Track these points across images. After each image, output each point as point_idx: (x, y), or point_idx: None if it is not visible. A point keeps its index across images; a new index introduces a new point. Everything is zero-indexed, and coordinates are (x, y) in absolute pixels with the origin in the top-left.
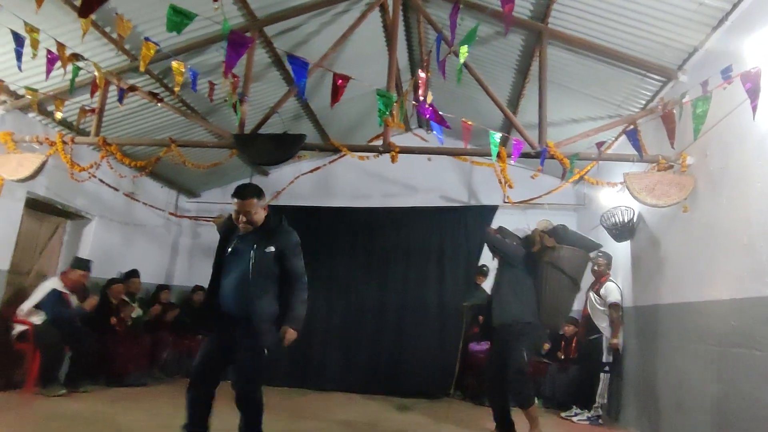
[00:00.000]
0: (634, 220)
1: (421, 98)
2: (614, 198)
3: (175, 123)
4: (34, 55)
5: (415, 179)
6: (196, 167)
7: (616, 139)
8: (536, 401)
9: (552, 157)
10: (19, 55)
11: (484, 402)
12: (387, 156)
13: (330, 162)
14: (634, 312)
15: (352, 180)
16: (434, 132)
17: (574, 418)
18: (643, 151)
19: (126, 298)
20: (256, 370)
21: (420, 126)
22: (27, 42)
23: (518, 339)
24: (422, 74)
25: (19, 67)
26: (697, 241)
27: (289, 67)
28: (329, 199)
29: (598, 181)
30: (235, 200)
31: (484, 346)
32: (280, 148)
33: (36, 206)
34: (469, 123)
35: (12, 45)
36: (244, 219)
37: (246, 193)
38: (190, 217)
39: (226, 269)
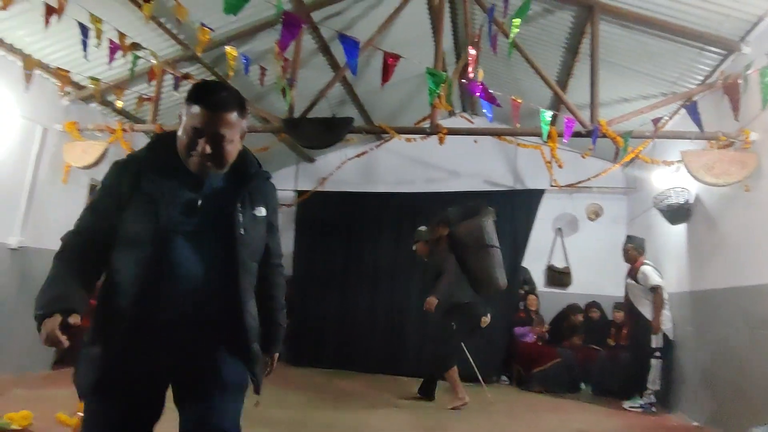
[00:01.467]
0: (690, 201)
1: (471, 75)
2: (667, 180)
3: None
4: (98, 45)
5: (459, 164)
6: None
7: (674, 114)
8: (583, 386)
9: (604, 135)
10: (85, 45)
11: (531, 387)
12: (430, 141)
13: (376, 146)
14: (690, 297)
15: (395, 166)
16: (483, 110)
17: (625, 405)
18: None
19: None
20: (237, 417)
21: (464, 110)
22: (92, 33)
23: (450, 317)
24: (472, 51)
25: (86, 57)
26: (760, 221)
27: (336, 51)
28: (373, 185)
29: (653, 160)
30: (199, 110)
31: (527, 329)
32: (329, 131)
33: None
34: (518, 101)
35: (75, 39)
36: (210, 150)
37: (223, 100)
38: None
39: (169, 247)
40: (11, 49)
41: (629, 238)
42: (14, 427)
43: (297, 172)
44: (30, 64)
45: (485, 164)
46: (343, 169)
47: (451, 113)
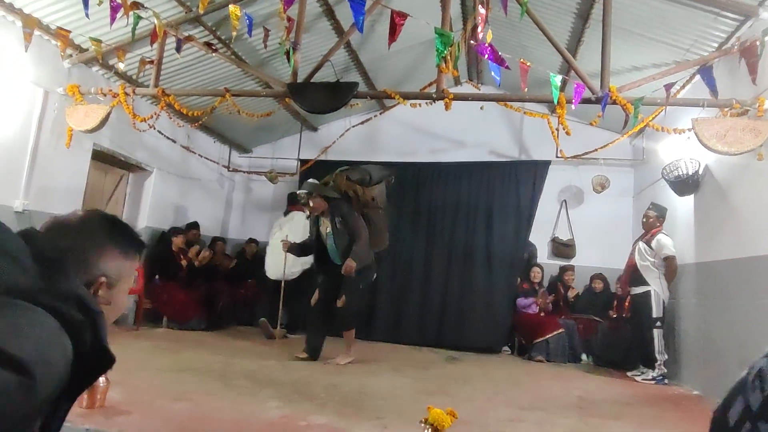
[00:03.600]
0: (700, 172)
1: (481, 35)
2: (676, 151)
3: (228, 76)
4: (100, 2)
5: (463, 134)
6: (250, 116)
7: (686, 83)
8: (584, 357)
9: (614, 102)
10: (86, 3)
11: (533, 357)
12: (434, 110)
13: (381, 113)
14: (695, 268)
15: (398, 135)
16: (492, 73)
17: (638, 378)
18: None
19: (184, 247)
20: None
21: (470, 78)
22: None
23: (359, 278)
24: (482, 10)
25: (87, 14)
26: None
27: (340, 15)
28: (376, 155)
29: (664, 127)
30: None
31: (532, 302)
32: (334, 96)
33: (101, 158)
34: (528, 64)
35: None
36: None
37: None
38: (244, 171)
39: None
40: (11, 9)
41: (653, 206)
42: None
43: (300, 140)
44: (30, 22)
45: (490, 134)
46: (346, 138)
47: (457, 82)
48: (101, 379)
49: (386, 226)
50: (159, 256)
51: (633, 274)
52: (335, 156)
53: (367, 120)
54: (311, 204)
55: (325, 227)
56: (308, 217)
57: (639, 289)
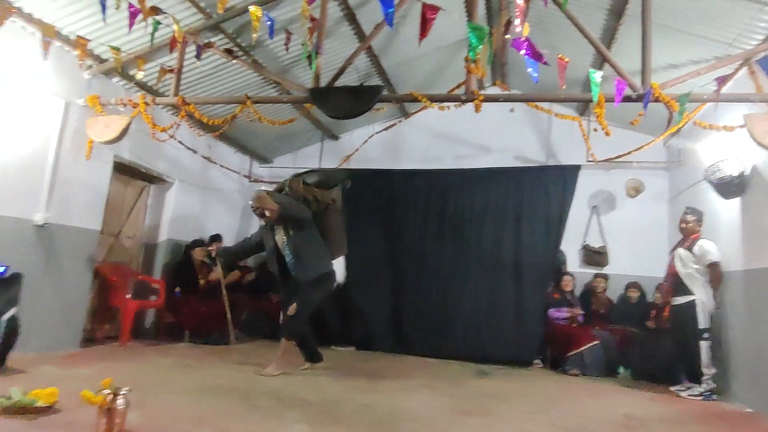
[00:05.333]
0: (746, 173)
1: (518, 29)
2: (717, 151)
3: (248, 85)
4: (118, 6)
5: (488, 139)
6: (271, 123)
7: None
8: (621, 370)
9: (657, 100)
10: (103, 7)
11: (567, 370)
12: (458, 116)
13: (406, 117)
14: (743, 276)
15: (422, 142)
16: (529, 69)
17: (684, 393)
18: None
19: (207, 260)
20: None
21: (495, 81)
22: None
23: (317, 287)
24: (520, 1)
25: (104, 19)
26: None
27: (362, 19)
28: (399, 162)
29: (711, 125)
30: None
31: (564, 312)
32: (358, 100)
33: (122, 170)
34: (566, 59)
35: (94, 8)
36: None
37: None
38: (265, 182)
39: None
40: (30, 19)
41: (691, 210)
42: (40, 404)
43: (321, 149)
44: (48, 31)
45: (516, 139)
46: (369, 146)
47: (481, 86)
48: (120, 401)
49: (345, 231)
50: (180, 269)
51: (675, 283)
52: (358, 164)
53: (391, 126)
54: (266, 214)
55: (281, 236)
56: (264, 226)
57: (682, 299)
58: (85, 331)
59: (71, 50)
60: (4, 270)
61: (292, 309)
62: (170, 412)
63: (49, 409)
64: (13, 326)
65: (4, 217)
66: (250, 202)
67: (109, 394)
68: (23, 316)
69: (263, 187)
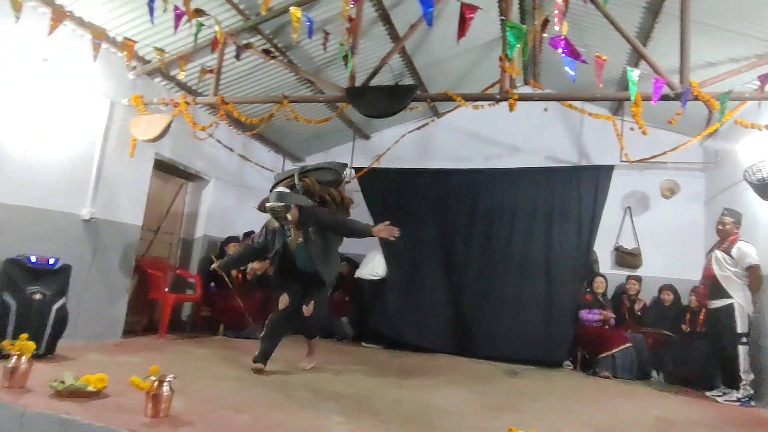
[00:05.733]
0: None
1: (556, 27)
2: (759, 152)
3: (283, 85)
4: (165, 9)
5: (519, 139)
6: (307, 122)
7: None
8: (654, 374)
9: (695, 98)
10: (151, 10)
11: (599, 372)
12: (488, 116)
13: (437, 117)
14: None
15: (452, 142)
16: (566, 68)
17: (720, 399)
18: None
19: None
20: None
21: (527, 80)
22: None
23: (329, 286)
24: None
25: (152, 21)
26: None
27: (396, 19)
28: (430, 161)
29: (754, 124)
30: None
31: (596, 315)
32: (393, 99)
33: (162, 167)
34: (603, 57)
35: (140, 11)
36: None
37: None
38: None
39: None
40: (81, 23)
41: (729, 211)
42: (90, 388)
43: (353, 149)
44: (98, 34)
45: (547, 139)
46: (399, 145)
47: (513, 85)
48: (165, 387)
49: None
50: None
51: (712, 286)
52: (388, 163)
53: (423, 125)
54: (289, 217)
55: (296, 239)
56: (269, 229)
57: (719, 302)
58: (126, 323)
59: (117, 51)
60: (55, 261)
61: (308, 310)
62: (211, 399)
63: (98, 394)
64: (62, 315)
65: (54, 211)
66: (274, 204)
67: (155, 380)
68: (71, 306)
69: (281, 188)
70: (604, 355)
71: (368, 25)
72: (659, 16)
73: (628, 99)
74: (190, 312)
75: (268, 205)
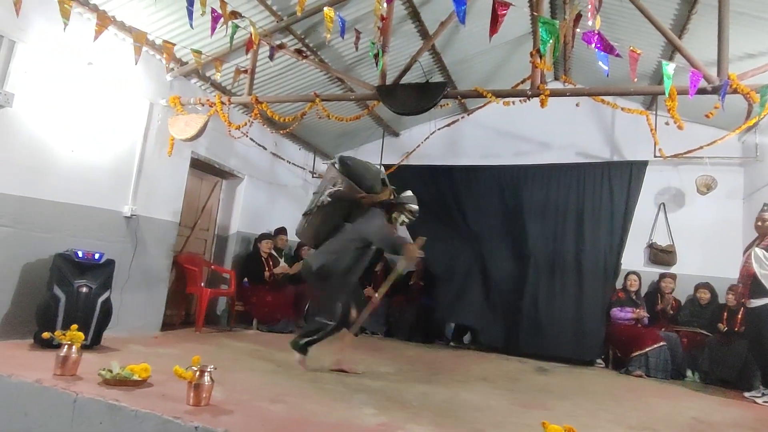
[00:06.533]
0: None
1: (589, 22)
2: None
3: (313, 84)
4: (203, 12)
5: (549, 135)
6: (339, 120)
7: None
8: (689, 374)
9: (735, 91)
10: (190, 15)
11: (631, 371)
12: (517, 112)
13: (468, 113)
14: None
15: (481, 138)
16: (599, 62)
17: (759, 400)
18: None
19: (274, 253)
20: None
21: (557, 77)
22: (196, 5)
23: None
24: None
25: (191, 25)
26: None
27: (425, 17)
28: (459, 158)
29: None
30: None
31: (629, 313)
32: (424, 97)
33: (198, 166)
34: (638, 51)
35: (177, 15)
36: None
37: None
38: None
39: None
40: (123, 27)
41: None
42: (136, 377)
43: (382, 146)
44: (139, 37)
45: (578, 135)
46: (429, 142)
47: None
48: (206, 377)
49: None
50: (248, 260)
51: (751, 284)
52: (417, 160)
53: (453, 122)
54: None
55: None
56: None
57: (759, 301)
58: (164, 316)
59: (155, 54)
60: (100, 256)
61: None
62: (248, 389)
63: (143, 383)
64: (107, 308)
65: (99, 208)
66: (415, 208)
67: (197, 370)
68: (114, 299)
69: (410, 192)
70: (636, 353)
71: (398, 23)
72: (695, 7)
73: (663, 93)
74: (225, 306)
75: (414, 208)
